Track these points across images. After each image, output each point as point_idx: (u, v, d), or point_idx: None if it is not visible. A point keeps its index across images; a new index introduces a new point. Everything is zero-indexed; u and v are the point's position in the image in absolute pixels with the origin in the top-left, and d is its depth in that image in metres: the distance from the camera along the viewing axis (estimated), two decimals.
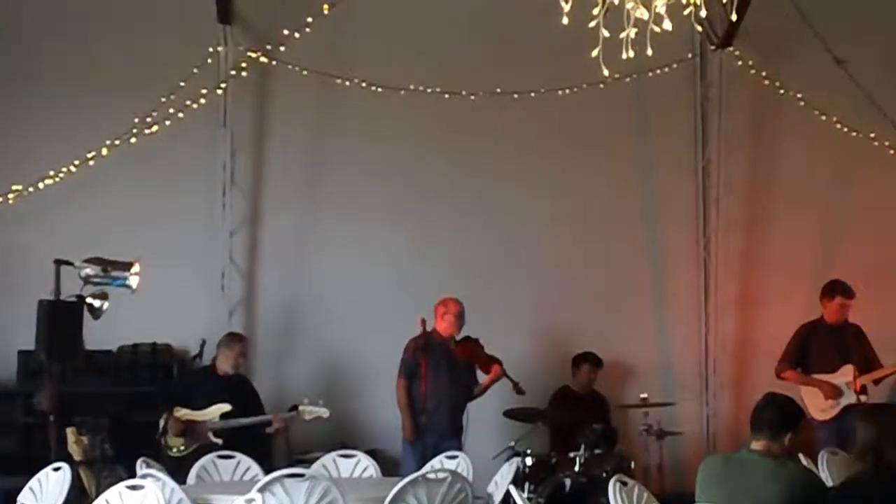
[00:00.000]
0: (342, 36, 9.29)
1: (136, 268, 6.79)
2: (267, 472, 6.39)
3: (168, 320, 9.08)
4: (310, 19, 8.42)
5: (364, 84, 9.12)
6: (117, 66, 9.25)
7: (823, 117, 9.30)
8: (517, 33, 9.39)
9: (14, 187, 8.07)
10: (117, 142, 8.16)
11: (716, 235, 9.85)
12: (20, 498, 6.13)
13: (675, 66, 9.51)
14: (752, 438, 4.67)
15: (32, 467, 6.26)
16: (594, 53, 4.47)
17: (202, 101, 8.49)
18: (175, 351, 9.20)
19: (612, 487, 5.47)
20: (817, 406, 8.23)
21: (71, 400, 7.42)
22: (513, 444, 7.87)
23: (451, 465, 6.81)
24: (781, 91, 9.48)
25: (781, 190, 9.93)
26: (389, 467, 8.01)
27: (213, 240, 9.37)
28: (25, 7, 9.29)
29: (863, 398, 8.11)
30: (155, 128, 8.27)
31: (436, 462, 7.04)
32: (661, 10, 4.34)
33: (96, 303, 6.62)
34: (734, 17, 6.90)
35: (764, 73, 9.54)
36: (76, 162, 8.11)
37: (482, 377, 8.13)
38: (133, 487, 5.47)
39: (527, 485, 7.52)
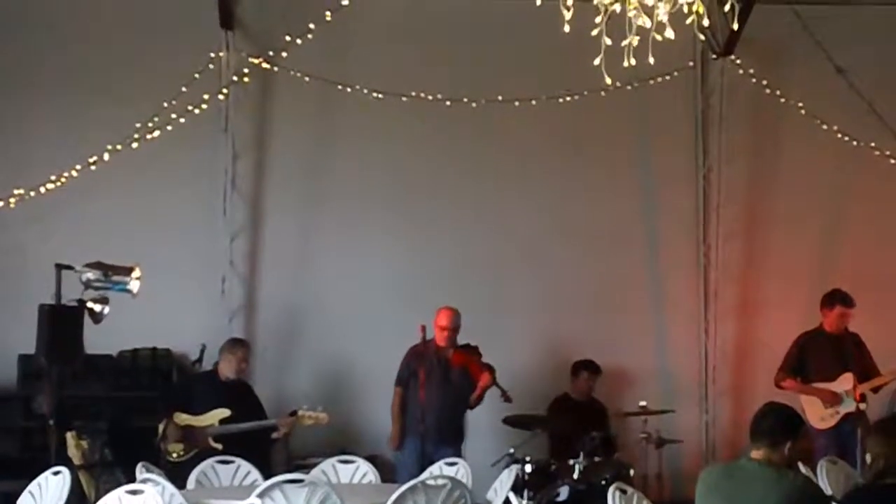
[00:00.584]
0: (344, 42, 9.30)
1: (136, 272, 6.81)
2: (266, 477, 6.39)
3: (168, 325, 9.08)
4: (311, 25, 8.43)
5: (365, 90, 9.12)
6: (119, 71, 9.27)
7: (824, 126, 9.30)
8: (519, 41, 9.40)
9: (15, 191, 8.07)
10: (119, 146, 8.17)
11: (716, 243, 9.85)
12: (20, 502, 6.13)
13: (676, 74, 9.51)
14: (752, 447, 4.66)
15: (32, 471, 6.26)
16: (596, 61, 4.49)
17: (204, 106, 8.50)
18: (175, 356, 9.20)
19: (612, 495, 5.48)
20: (817, 414, 8.24)
21: (71, 404, 7.45)
22: (512, 451, 7.86)
23: (450, 471, 6.81)
24: (782, 99, 9.49)
25: (782, 198, 9.93)
26: (389, 473, 8.01)
27: (214, 244, 9.39)
28: (26, 12, 9.30)
29: (862, 406, 8.11)
30: (156, 133, 8.27)
31: (435, 469, 7.04)
32: (663, 18, 4.35)
33: (97, 307, 6.62)
34: (735, 26, 6.96)
35: (765, 82, 9.55)
36: (77, 166, 8.11)
37: None
38: (132, 492, 5.49)
39: (526, 492, 7.51)
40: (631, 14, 4.35)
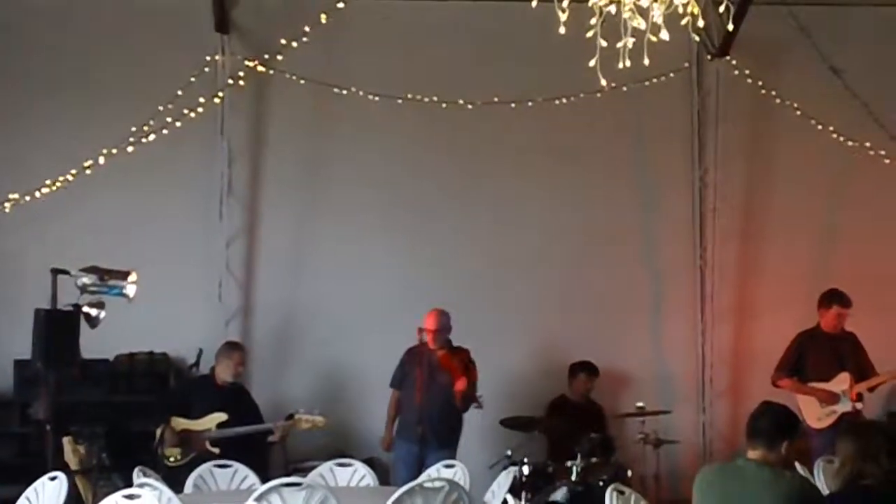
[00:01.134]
0: (339, 45, 9.30)
1: (132, 277, 6.80)
2: (264, 481, 6.38)
3: (165, 329, 9.08)
4: (307, 29, 8.44)
5: (361, 93, 9.13)
6: (114, 75, 9.28)
7: (820, 126, 9.31)
8: (514, 43, 9.41)
9: (11, 196, 8.06)
10: (114, 151, 8.16)
11: (712, 244, 9.86)
12: None
13: (671, 75, 9.51)
14: (749, 447, 4.66)
15: (29, 476, 6.23)
16: (591, 63, 4.49)
17: (199, 110, 8.50)
18: (172, 360, 9.20)
19: (609, 496, 5.47)
20: (813, 414, 8.24)
21: (67, 409, 7.42)
22: (510, 452, 7.86)
23: (448, 473, 6.80)
24: (778, 100, 9.50)
25: (778, 199, 9.94)
26: (386, 476, 8.01)
27: (210, 248, 9.38)
28: (23, 17, 9.30)
29: (858, 406, 8.12)
30: (152, 137, 8.27)
31: (433, 471, 7.03)
32: (659, 19, 4.35)
33: (93, 312, 6.62)
34: (731, 27, 6.94)
35: (760, 83, 9.56)
36: (73, 171, 8.10)
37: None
38: (130, 497, 5.47)
39: (523, 493, 7.51)
40: (626, 15, 4.36)
